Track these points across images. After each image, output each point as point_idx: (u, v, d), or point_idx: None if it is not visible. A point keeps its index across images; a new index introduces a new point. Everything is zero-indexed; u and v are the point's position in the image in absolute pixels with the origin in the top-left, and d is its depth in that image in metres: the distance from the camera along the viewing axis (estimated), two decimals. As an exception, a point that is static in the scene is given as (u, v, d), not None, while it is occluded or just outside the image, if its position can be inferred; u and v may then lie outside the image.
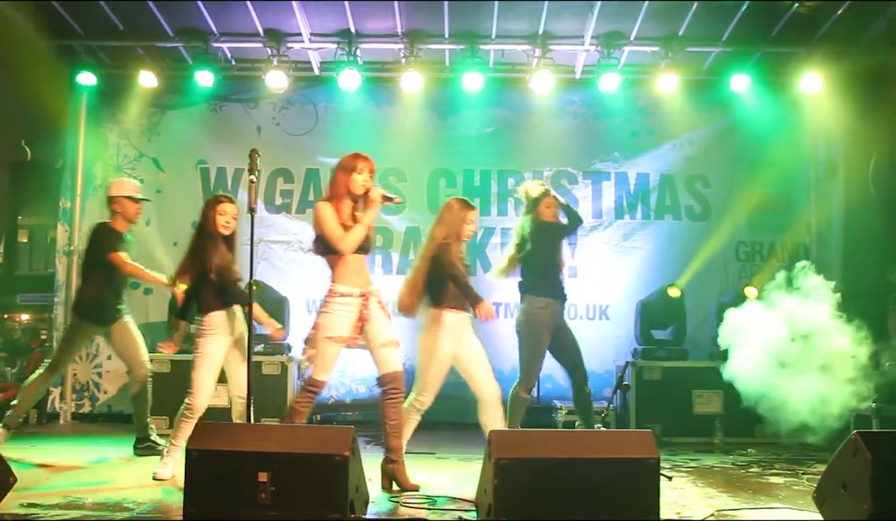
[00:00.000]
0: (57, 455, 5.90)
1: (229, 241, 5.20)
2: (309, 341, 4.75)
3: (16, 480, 4.02)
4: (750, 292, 7.23)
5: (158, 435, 6.09)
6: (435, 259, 5.11)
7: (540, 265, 5.89)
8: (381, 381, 4.82)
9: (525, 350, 5.82)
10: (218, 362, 5.09)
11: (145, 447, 5.99)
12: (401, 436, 4.82)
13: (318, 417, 7.59)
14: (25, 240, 10.83)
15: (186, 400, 5.00)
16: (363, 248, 4.75)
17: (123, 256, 5.87)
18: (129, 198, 6.01)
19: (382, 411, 4.79)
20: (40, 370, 6.00)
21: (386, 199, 4.81)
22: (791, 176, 8.31)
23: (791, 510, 4.34)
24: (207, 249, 5.05)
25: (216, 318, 5.06)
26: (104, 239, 5.90)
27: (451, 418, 6.71)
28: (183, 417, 4.96)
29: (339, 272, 4.72)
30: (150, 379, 6.06)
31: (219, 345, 5.07)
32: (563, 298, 5.95)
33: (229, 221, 5.15)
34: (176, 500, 4.07)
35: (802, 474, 5.44)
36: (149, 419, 6.06)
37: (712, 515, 4.16)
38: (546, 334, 5.80)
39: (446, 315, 5.09)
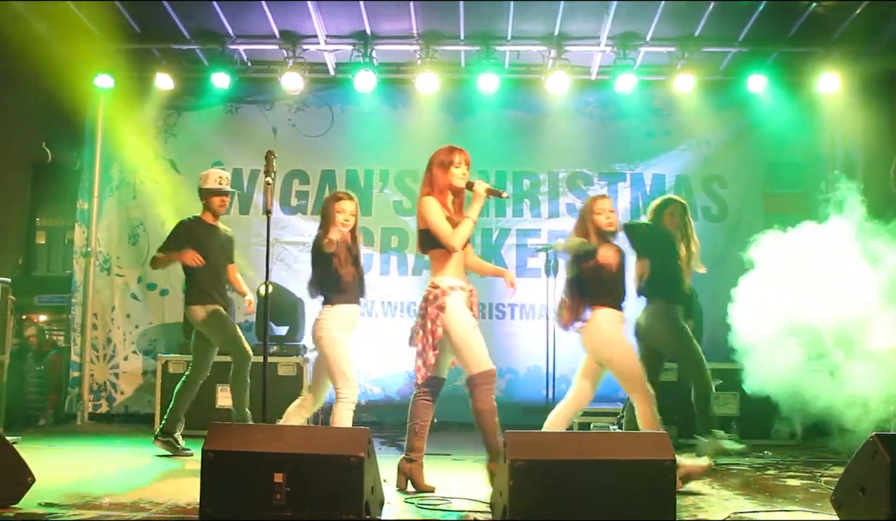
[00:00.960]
0: (74, 455, 5.94)
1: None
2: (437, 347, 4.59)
3: (34, 479, 4.05)
4: None
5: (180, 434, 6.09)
6: (577, 260, 5.02)
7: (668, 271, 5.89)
8: (439, 382, 4.77)
9: (682, 351, 5.81)
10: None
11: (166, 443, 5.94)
12: (425, 438, 4.75)
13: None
14: (43, 241, 10.90)
15: (341, 392, 4.80)
16: None
17: (162, 257, 6.01)
18: (211, 190, 6.07)
19: (415, 410, 4.71)
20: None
21: (492, 192, 4.72)
22: (808, 177, 8.26)
23: (808, 513, 4.30)
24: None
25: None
26: (168, 237, 6.09)
27: (466, 419, 6.69)
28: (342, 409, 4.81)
29: (446, 267, 4.64)
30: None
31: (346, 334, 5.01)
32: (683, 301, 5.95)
33: (348, 218, 5.07)
34: (192, 500, 4.09)
35: (820, 476, 5.39)
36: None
37: (728, 517, 4.13)
38: None
39: (606, 313, 4.96)
